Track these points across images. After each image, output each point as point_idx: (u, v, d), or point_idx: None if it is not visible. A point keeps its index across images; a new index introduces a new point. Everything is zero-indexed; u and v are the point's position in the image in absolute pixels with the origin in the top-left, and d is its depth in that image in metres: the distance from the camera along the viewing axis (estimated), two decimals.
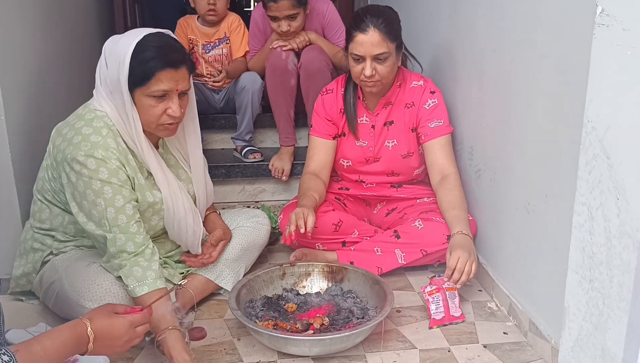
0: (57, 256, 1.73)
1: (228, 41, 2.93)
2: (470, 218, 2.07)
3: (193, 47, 2.91)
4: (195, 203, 1.87)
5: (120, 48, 1.56)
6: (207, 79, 2.90)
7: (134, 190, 1.64)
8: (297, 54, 2.71)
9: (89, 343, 1.20)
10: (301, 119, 2.86)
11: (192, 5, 2.89)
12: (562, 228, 1.48)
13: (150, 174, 1.70)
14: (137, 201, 1.64)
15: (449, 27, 2.34)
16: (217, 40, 2.92)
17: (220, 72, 2.78)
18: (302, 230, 1.90)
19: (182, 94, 1.63)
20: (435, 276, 1.86)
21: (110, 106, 1.61)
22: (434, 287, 1.80)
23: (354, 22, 2.05)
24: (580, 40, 1.37)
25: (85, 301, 1.59)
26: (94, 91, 1.66)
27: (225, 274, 1.93)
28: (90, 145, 1.56)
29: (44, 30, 2.24)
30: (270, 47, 2.69)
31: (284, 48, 2.65)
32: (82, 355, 1.23)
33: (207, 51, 2.91)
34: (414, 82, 2.21)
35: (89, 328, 1.21)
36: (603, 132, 1.17)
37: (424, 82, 2.21)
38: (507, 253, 1.88)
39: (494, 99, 1.92)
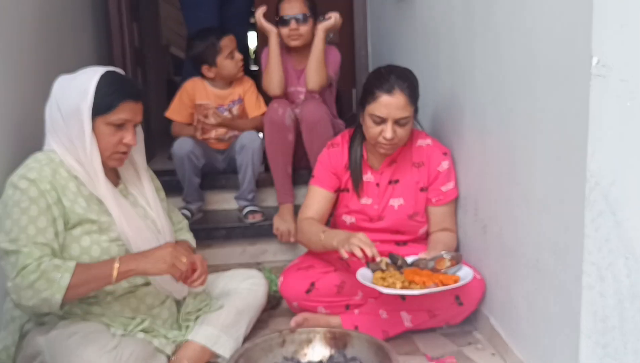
0: (38, 330, 1.66)
1: (242, 102, 2.94)
2: (478, 277, 1.98)
3: (204, 112, 2.82)
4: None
5: (83, 79, 1.66)
6: (213, 141, 2.89)
7: (63, 216, 1.64)
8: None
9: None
10: (304, 176, 2.82)
11: (211, 75, 2.85)
12: (573, 287, 1.39)
13: (100, 201, 1.70)
14: (67, 224, 1.64)
15: (448, 79, 2.30)
16: (231, 102, 2.92)
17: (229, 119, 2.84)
18: (375, 256, 1.83)
19: (136, 126, 1.73)
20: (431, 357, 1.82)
21: (57, 142, 1.69)
22: None
23: (378, 82, 1.99)
24: (579, 92, 1.31)
25: None
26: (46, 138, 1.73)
27: (223, 340, 1.84)
28: (26, 169, 1.63)
29: (35, 57, 2.19)
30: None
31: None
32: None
33: (221, 113, 2.88)
34: (419, 141, 2.16)
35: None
36: (608, 187, 1.11)
37: (432, 142, 2.17)
38: (518, 313, 1.78)
39: (496, 151, 1.87)
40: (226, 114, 2.86)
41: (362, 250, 1.81)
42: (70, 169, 1.67)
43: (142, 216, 1.80)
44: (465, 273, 1.90)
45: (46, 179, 1.62)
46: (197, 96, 2.89)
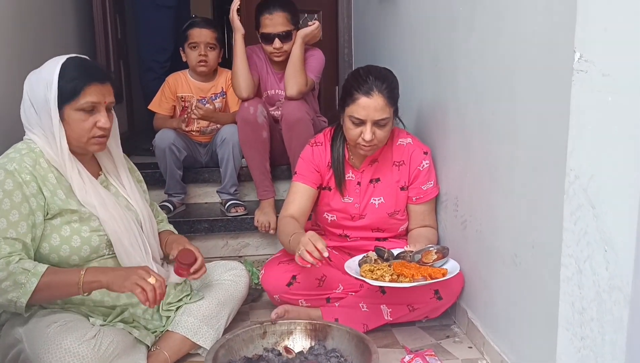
0: (16, 319, 1.63)
1: (225, 95, 2.92)
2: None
3: (185, 104, 2.82)
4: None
5: (46, 71, 1.66)
6: (195, 133, 2.88)
7: (44, 206, 1.63)
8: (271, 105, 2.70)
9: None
10: (285, 171, 2.82)
11: (184, 59, 2.89)
12: (551, 281, 1.42)
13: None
14: (47, 216, 1.63)
15: (432, 80, 2.33)
16: (213, 95, 2.90)
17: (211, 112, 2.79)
18: (317, 259, 1.78)
19: (108, 109, 1.72)
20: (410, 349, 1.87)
21: (35, 134, 1.68)
22: (412, 355, 1.78)
23: (356, 83, 1.98)
24: (560, 89, 1.34)
25: None
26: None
27: (203, 331, 1.84)
28: (6, 159, 1.63)
29: (16, 50, 2.16)
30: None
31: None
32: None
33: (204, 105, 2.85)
34: (400, 140, 2.18)
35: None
36: (587, 181, 1.13)
37: (413, 141, 2.18)
38: (496, 307, 1.81)
39: (477, 149, 1.89)
40: (207, 106, 2.85)
41: (313, 255, 1.78)
42: (50, 160, 1.67)
43: (123, 207, 1.79)
44: (452, 266, 1.92)
45: (27, 170, 1.61)
46: (178, 88, 2.89)
